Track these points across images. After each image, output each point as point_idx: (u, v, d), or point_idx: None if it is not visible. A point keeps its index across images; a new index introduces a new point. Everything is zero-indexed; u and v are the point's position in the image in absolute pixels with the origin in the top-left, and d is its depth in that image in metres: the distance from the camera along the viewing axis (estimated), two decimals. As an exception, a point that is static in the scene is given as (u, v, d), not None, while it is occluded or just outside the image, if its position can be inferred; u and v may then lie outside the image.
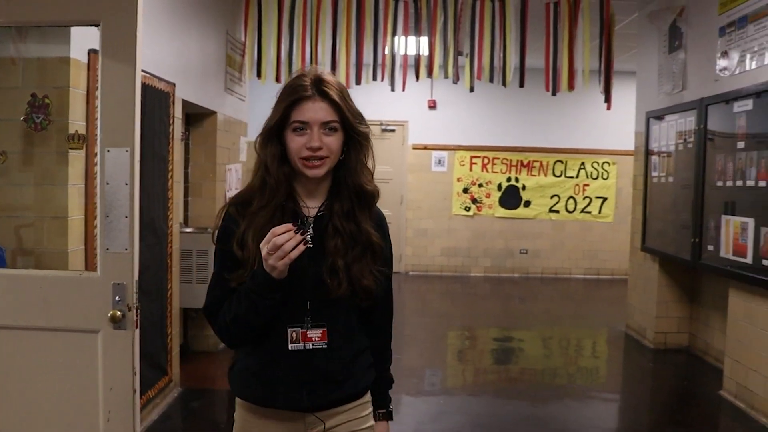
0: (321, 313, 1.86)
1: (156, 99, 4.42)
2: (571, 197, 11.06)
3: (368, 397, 2.02)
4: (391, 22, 6.73)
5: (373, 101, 8.65)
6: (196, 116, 5.73)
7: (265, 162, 1.85)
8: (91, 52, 3.47)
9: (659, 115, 6.40)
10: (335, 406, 1.92)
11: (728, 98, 5.06)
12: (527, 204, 11.02)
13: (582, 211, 11.11)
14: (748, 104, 4.81)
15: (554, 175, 10.99)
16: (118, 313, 3.04)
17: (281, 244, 1.67)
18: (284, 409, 1.89)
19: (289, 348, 1.85)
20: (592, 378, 6.14)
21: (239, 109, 6.74)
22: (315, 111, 1.79)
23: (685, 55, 5.92)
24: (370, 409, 2.03)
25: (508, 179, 10.97)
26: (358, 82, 6.83)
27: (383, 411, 2.09)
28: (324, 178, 1.88)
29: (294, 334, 1.85)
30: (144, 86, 3.61)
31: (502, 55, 6.72)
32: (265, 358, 1.88)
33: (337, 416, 1.92)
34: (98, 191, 3.05)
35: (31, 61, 3.23)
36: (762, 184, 4.62)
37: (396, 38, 6.82)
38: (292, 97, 1.81)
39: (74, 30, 3.35)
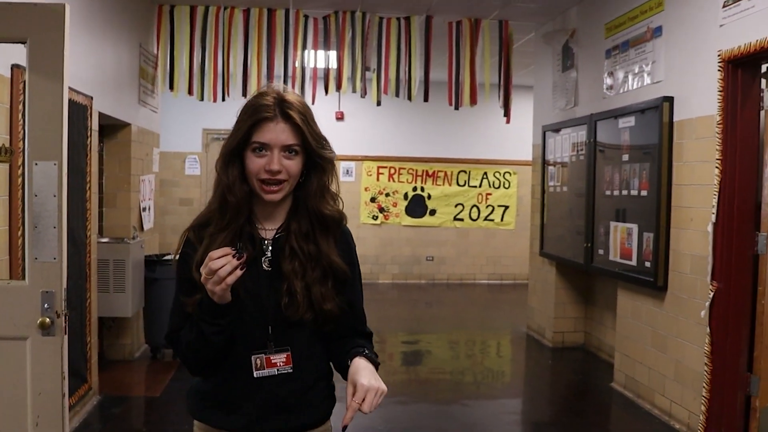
0: (284, 337, 1.82)
1: (74, 112, 4.50)
2: (474, 206, 11.52)
3: (328, 425, 1.96)
4: (301, 37, 6.94)
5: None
6: (110, 127, 5.79)
7: (227, 183, 1.79)
8: (14, 67, 3.56)
9: (554, 129, 6.86)
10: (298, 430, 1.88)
11: (614, 115, 5.53)
12: (433, 212, 11.41)
13: (485, 219, 11.59)
14: (631, 121, 5.27)
15: (458, 184, 11.43)
16: (47, 320, 3.15)
17: (217, 268, 1.62)
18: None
19: (255, 375, 1.81)
20: (496, 376, 6.51)
21: (152, 121, 6.81)
22: (276, 133, 1.75)
23: (577, 74, 6.40)
24: None
25: (414, 188, 11.34)
26: (269, 95, 6.99)
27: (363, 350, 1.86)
28: (283, 200, 1.84)
29: (258, 361, 1.81)
30: None
31: (407, 70, 7.05)
32: (225, 384, 1.85)
33: None
34: (26, 203, 3.16)
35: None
36: (644, 193, 5.08)
37: (306, 52, 7.05)
38: (254, 117, 1.76)
39: (-2, 46, 3.43)
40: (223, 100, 7.03)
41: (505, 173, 11.49)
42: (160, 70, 6.87)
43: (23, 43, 3.17)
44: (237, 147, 1.79)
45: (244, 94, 6.97)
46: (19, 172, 3.57)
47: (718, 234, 4.29)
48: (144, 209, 6.41)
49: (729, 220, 4.25)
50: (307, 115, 1.80)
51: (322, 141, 1.83)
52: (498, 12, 6.82)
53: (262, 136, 1.76)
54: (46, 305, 3.16)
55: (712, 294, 4.32)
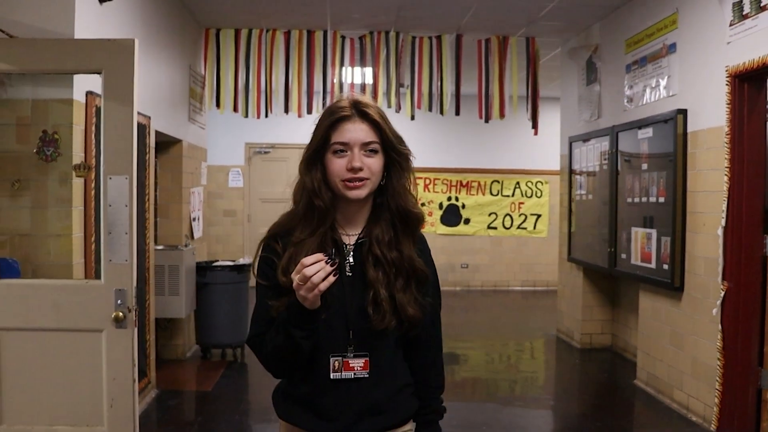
0: (363, 343, 1.84)
1: (137, 131, 4.97)
2: (507, 214, 11.85)
3: (410, 425, 1.98)
4: (338, 55, 7.39)
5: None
6: (163, 144, 6.26)
7: (312, 187, 1.81)
8: (88, 93, 4.03)
9: (580, 140, 7.19)
10: None
11: (634, 126, 5.86)
12: (467, 221, 11.77)
13: (518, 227, 11.91)
14: (649, 132, 5.60)
15: (491, 194, 11.78)
16: (120, 314, 3.60)
17: (311, 275, 1.63)
18: None
19: (331, 377, 1.83)
20: (529, 377, 6.83)
21: (200, 137, 7.31)
22: (355, 132, 1.79)
23: (600, 87, 6.73)
24: None
25: (449, 198, 11.71)
26: (309, 111, 7.46)
27: None
28: (364, 204, 1.87)
29: (336, 363, 1.83)
30: None
31: (439, 86, 7.45)
32: (308, 386, 1.87)
33: None
34: (102, 212, 3.61)
35: (40, 102, 3.78)
36: (661, 200, 5.40)
37: (343, 69, 7.49)
38: (331, 118, 1.80)
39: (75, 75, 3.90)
40: (266, 116, 7.51)
41: (537, 182, 11.81)
42: (207, 89, 7.36)
43: (99, 73, 3.63)
44: (317, 151, 1.82)
45: (286, 111, 7.45)
46: (92, 185, 4.03)
47: (728, 237, 4.61)
48: (194, 219, 6.89)
49: (738, 224, 4.56)
50: (382, 114, 1.83)
51: (398, 139, 1.85)
52: (525, 29, 7.19)
53: (341, 136, 1.79)
54: (119, 301, 3.60)
55: (723, 293, 4.63)
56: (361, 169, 1.77)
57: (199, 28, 7.17)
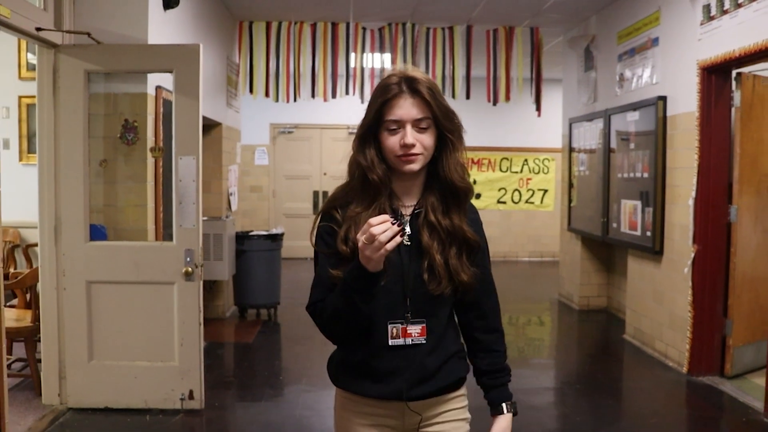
0: (421, 310, 1.88)
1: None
2: (516, 189, 12.61)
3: (463, 390, 2.03)
4: (360, 44, 8.13)
5: (346, 108, 10.06)
6: (207, 126, 7.03)
7: (367, 163, 1.86)
8: (158, 88, 4.82)
9: (578, 121, 7.93)
10: (431, 397, 1.93)
11: (623, 110, 6.60)
12: (478, 196, 12.52)
13: (526, 202, 12.68)
14: (636, 115, 6.34)
15: (501, 170, 12.53)
16: (189, 269, 4.43)
17: (378, 234, 1.63)
18: (383, 399, 1.91)
19: (390, 343, 1.86)
20: (533, 336, 7.63)
21: (236, 120, 8.10)
22: (407, 109, 1.80)
23: (596, 74, 7.46)
24: (466, 402, 2.04)
25: (461, 174, 12.44)
26: (333, 95, 8.23)
27: (508, 403, 2.02)
28: (418, 175, 1.91)
29: (394, 330, 1.86)
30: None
31: (452, 72, 8.19)
32: (366, 352, 1.89)
33: (433, 407, 1.95)
34: (174, 186, 4.43)
35: (119, 96, 4.59)
36: (645, 175, 6.15)
37: (364, 54, 8.23)
38: (383, 96, 1.82)
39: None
40: (295, 100, 8.28)
41: (544, 160, 12.54)
42: (242, 76, 8.13)
43: (170, 72, 4.44)
44: (370, 128, 1.86)
45: (313, 95, 8.23)
46: (160, 164, 4.84)
47: (697, 207, 5.37)
48: (231, 194, 7.70)
49: (706, 196, 5.33)
50: (434, 89, 1.84)
51: (450, 114, 1.87)
52: (529, 21, 7.91)
53: (393, 113, 1.81)
54: (188, 259, 4.43)
55: (693, 255, 5.40)
56: (413, 146, 1.81)
57: (234, 22, 7.93)
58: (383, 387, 1.89)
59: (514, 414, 2.01)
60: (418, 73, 1.84)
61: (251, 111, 11.55)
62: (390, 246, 1.65)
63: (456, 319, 2.04)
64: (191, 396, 4.54)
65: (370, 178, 1.85)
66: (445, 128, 1.86)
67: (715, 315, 5.40)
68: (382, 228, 1.64)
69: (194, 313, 4.49)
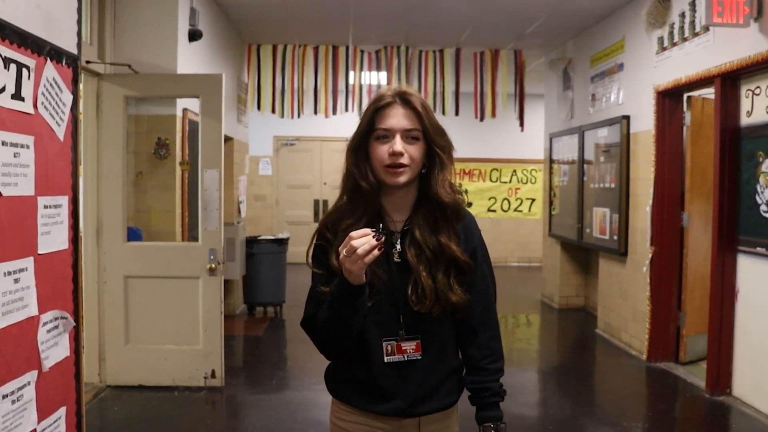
0: (414, 326, 1.88)
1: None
2: (505, 198, 13.38)
3: (456, 407, 2.03)
4: (359, 64, 8.90)
5: (345, 121, 10.79)
6: (219, 141, 7.80)
7: (359, 171, 1.87)
8: (184, 110, 5.57)
9: (558, 135, 8.69)
10: (427, 414, 1.93)
11: (595, 127, 7.36)
12: (469, 205, 13.25)
13: (515, 210, 13.44)
14: (605, 131, 7.10)
15: (491, 180, 13.30)
16: (213, 266, 5.16)
17: (357, 247, 1.66)
18: (382, 415, 1.92)
19: (385, 360, 1.87)
20: (517, 331, 8.37)
21: (245, 134, 8.86)
22: (398, 118, 1.83)
23: (573, 93, 8.23)
24: (456, 415, 2.05)
25: (454, 184, 13.19)
26: (334, 112, 8.99)
27: (489, 425, 1.95)
28: (409, 191, 1.91)
29: (389, 347, 1.87)
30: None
31: (442, 90, 8.95)
32: (364, 370, 1.90)
33: (429, 425, 1.95)
34: (200, 195, 5.17)
35: (152, 117, 5.35)
36: (612, 185, 6.90)
37: (362, 73, 8.99)
38: (376, 104, 1.85)
39: (174, 96, 5.46)
40: (299, 116, 9.06)
41: (531, 170, 13.30)
42: (250, 94, 8.89)
43: (197, 97, 5.19)
44: (362, 136, 1.87)
45: (315, 112, 8.99)
46: (186, 175, 5.58)
47: (654, 213, 6.12)
48: (240, 202, 8.44)
49: (661, 203, 6.09)
50: (425, 104, 1.87)
51: (440, 130, 1.89)
52: (513, 44, 8.68)
53: (384, 122, 1.83)
54: (211, 257, 5.17)
55: (651, 255, 6.15)
56: (402, 154, 1.81)
57: (243, 45, 8.70)
58: (383, 404, 1.89)
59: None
60: (411, 89, 1.89)
61: (256, 124, 12.25)
62: (368, 259, 1.67)
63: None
64: (213, 375, 5.27)
65: (362, 186, 1.87)
66: (434, 143, 1.87)
67: (671, 308, 6.14)
68: (361, 241, 1.67)
69: (216, 303, 5.23)
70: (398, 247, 1.88)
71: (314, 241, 1.95)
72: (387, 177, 1.85)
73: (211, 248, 5.17)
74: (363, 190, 1.87)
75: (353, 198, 1.90)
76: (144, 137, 5.32)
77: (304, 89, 8.97)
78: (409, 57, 8.86)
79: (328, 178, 12.99)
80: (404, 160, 1.82)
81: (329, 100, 8.98)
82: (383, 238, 1.69)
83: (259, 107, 8.95)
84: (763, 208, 4.76)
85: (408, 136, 1.84)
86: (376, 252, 1.67)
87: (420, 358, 1.88)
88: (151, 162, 5.31)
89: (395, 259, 1.87)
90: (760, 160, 4.79)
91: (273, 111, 8.96)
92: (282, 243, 8.16)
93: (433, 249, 1.87)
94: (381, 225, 1.74)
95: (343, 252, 1.69)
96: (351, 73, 8.93)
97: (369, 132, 1.87)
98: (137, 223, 5.33)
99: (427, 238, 1.88)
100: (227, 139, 7.80)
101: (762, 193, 4.77)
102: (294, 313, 8.29)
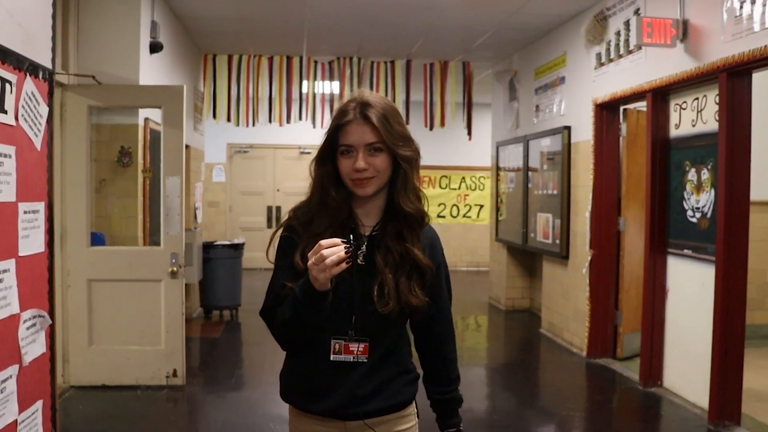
0: (366, 328, 1.90)
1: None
2: (454, 205, 13.77)
3: (411, 410, 2.04)
4: (312, 74, 9.15)
5: (298, 129, 11.04)
6: (176, 149, 7.98)
7: (323, 184, 1.91)
8: (146, 119, 5.77)
9: (504, 144, 9.07)
10: (373, 416, 1.94)
11: (538, 136, 7.75)
12: (420, 211, 13.58)
13: (464, 216, 13.84)
14: (548, 141, 7.49)
15: (441, 187, 13.68)
16: (174, 269, 5.37)
17: (326, 257, 1.67)
18: (323, 416, 1.94)
19: (331, 358, 1.89)
20: (466, 332, 8.70)
21: (200, 142, 9.04)
22: (359, 135, 1.85)
23: (518, 104, 8.62)
24: (414, 422, 2.05)
25: (405, 191, 13.51)
26: (288, 120, 9.22)
27: (454, 430, 2.09)
28: (378, 198, 1.94)
29: (337, 345, 1.89)
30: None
31: (392, 99, 9.25)
32: (308, 365, 1.93)
33: (378, 426, 1.95)
34: (162, 200, 5.38)
35: (115, 126, 5.53)
36: (555, 192, 7.29)
37: (316, 82, 9.24)
38: (337, 121, 1.88)
39: (137, 106, 5.65)
40: (254, 125, 9.28)
41: (480, 177, 13.70)
42: (206, 103, 9.08)
43: (159, 107, 5.40)
44: (326, 151, 1.91)
45: (270, 120, 9.20)
46: (147, 182, 5.78)
47: (593, 218, 6.52)
48: (197, 208, 8.62)
49: (599, 209, 6.48)
50: (387, 114, 1.88)
51: (401, 139, 1.90)
52: (462, 56, 9.04)
53: (347, 138, 1.86)
54: (173, 260, 5.37)
55: (590, 258, 6.54)
56: (365, 169, 1.85)
57: (200, 54, 8.88)
58: (322, 403, 1.92)
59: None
60: (373, 97, 1.89)
61: (210, 132, 12.41)
62: (335, 270, 1.69)
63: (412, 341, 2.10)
64: (174, 374, 5.47)
65: (327, 200, 1.91)
66: (397, 155, 1.88)
67: (608, 308, 6.54)
68: (330, 251, 1.68)
69: (177, 305, 5.43)
70: (363, 249, 1.91)
71: (281, 233, 1.98)
72: (355, 188, 1.89)
73: (172, 252, 5.38)
74: (329, 203, 1.92)
75: (322, 207, 1.93)
76: (107, 146, 5.50)
77: (258, 98, 9.19)
78: (361, 67, 9.15)
79: (281, 185, 13.20)
80: (368, 173, 1.86)
81: (283, 109, 9.21)
82: (351, 250, 1.71)
83: (214, 116, 9.14)
84: (689, 213, 5.17)
85: (371, 148, 1.86)
86: (343, 264, 1.69)
87: (365, 361, 1.91)
88: (114, 170, 5.50)
89: (360, 261, 1.89)
90: (687, 169, 5.20)
91: (228, 119, 9.17)
92: (238, 248, 8.37)
93: (399, 254, 1.91)
94: (351, 236, 1.77)
95: (312, 259, 1.71)
96: (305, 83, 9.17)
97: (333, 146, 1.91)
98: (100, 229, 5.50)
99: (393, 244, 1.92)
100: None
101: (688, 199, 5.18)
102: (249, 316, 8.50)
